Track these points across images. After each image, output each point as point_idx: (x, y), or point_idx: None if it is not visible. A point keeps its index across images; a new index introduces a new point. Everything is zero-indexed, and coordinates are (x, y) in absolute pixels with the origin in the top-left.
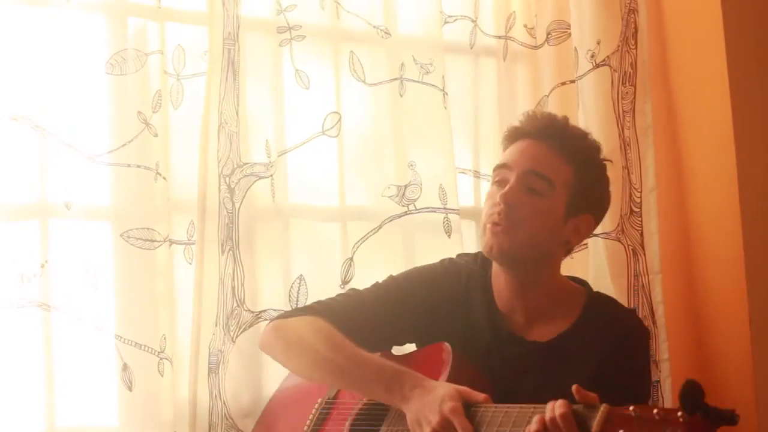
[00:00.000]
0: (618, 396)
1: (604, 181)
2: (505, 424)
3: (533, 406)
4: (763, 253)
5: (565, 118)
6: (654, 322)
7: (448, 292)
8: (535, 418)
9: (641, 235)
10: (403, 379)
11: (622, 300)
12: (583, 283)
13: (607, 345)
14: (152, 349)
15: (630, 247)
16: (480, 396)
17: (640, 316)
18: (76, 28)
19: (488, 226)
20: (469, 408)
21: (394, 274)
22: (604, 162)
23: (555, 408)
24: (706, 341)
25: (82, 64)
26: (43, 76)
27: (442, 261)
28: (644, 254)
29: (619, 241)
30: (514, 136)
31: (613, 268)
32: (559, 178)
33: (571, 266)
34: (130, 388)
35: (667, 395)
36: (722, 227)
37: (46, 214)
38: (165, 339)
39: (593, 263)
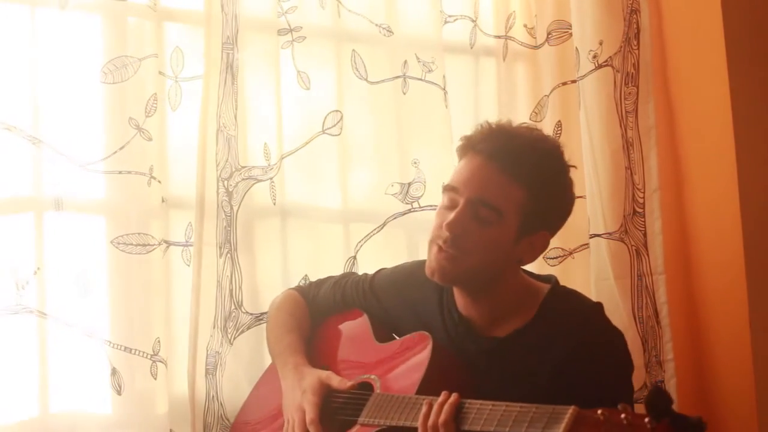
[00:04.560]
0: (579, 402)
1: (564, 195)
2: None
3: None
4: (763, 253)
5: (521, 130)
6: (658, 323)
7: (410, 290)
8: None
9: (644, 235)
10: (287, 360)
11: (626, 301)
12: (549, 280)
13: (566, 344)
14: (144, 353)
15: (633, 248)
16: (345, 384)
17: (644, 316)
18: (72, 30)
19: (433, 248)
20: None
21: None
22: (567, 168)
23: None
24: (706, 341)
25: (76, 71)
26: (36, 84)
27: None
28: (647, 255)
29: (622, 242)
30: (465, 148)
31: (616, 268)
32: (510, 205)
33: (572, 266)
34: (119, 392)
35: (672, 396)
36: (722, 227)
37: (40, 221)
38: (159, 342)
39: (595, 263)
